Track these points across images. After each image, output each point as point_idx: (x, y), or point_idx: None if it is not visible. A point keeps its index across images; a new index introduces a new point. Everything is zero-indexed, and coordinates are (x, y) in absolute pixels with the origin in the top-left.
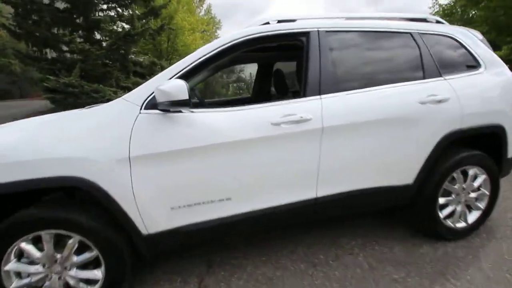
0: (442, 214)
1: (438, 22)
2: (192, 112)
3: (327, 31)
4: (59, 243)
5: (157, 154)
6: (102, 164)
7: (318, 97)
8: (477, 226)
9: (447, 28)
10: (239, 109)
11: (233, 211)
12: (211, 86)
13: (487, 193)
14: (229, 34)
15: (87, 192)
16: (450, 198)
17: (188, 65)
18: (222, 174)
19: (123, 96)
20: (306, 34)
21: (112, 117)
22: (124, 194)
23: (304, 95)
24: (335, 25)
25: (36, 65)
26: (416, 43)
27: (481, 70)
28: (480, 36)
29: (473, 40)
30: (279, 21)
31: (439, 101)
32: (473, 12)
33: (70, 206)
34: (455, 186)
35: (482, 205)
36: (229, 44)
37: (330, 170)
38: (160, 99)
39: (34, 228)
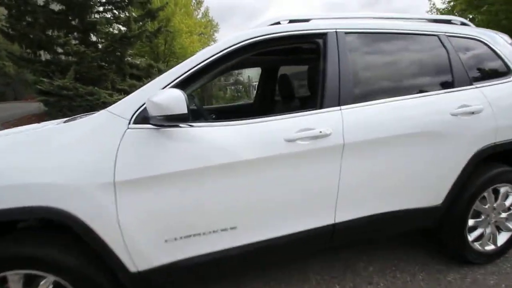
0: (471, 237)
1: (463, 24)
2: (192, 126)
3: (346, 32)
4: (31, 283)
5: (149, 178)
6: (79, 191)
7: (337, 108)
8: (507, 248)
9: (474, 31)
10: (247, 123)
11: (238, 242)
12: (208, 89)
13: None
14: (234, 34)
15: (62, 224)
16: (479, 219)
17: (187, 71)
18: (227, 199)
19: (107, 108)
20: (323, 35)
21: (94, 133)
22: (107, 226)
23: (321, 106)
24: (355, 25)
25: (30, 67)
26: (444, 46)
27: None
28: (510, 40)
29: (503, 44)
30: (290, 21)
31: (472, 113)
32: (471, 16)
33: (42, 240)
34: (486, 206)
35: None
36: (235, 47)
37: (351, 192)
38: (152, 112)
39: None
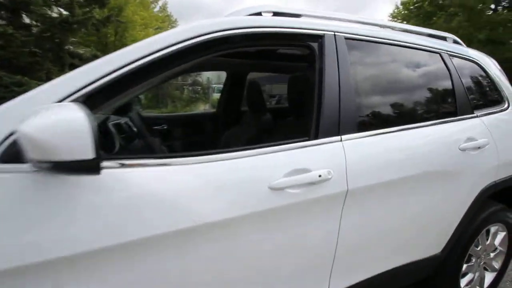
0: (463, 283)
1: (455, 42)
2: (123, 166)
3: (346, 38)
4: None
5: (24, 268)
6: None
7: (337, 138)
8: None
9: (469, 51)
10: (214, 159)
11: None
12: (162, 87)
13: (504, 250)
14: (197, 23)
15: None
16: (471, 263)
17: (110, 73)
18: (178, 281)
19: None
20: (319, 38)
21: None
22: None
23: (316, 135)
24: (357, 30)
25: None
26: (447, 67)
27: (505, 105)
28: (498, 66)
29: (495, 69)
30: (275, 14)
31: (479, 147)
32: None
33: None
34: (478, 249)
35: (497, 265)
36: (198, 40)
37: (351, 253)
38: (29, 153)
39: None
